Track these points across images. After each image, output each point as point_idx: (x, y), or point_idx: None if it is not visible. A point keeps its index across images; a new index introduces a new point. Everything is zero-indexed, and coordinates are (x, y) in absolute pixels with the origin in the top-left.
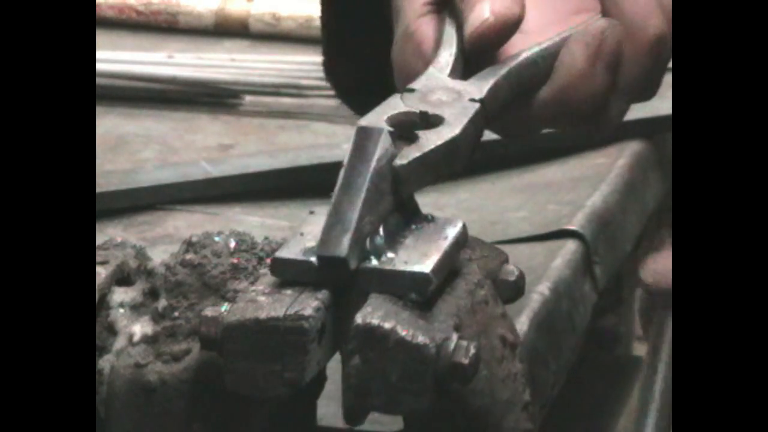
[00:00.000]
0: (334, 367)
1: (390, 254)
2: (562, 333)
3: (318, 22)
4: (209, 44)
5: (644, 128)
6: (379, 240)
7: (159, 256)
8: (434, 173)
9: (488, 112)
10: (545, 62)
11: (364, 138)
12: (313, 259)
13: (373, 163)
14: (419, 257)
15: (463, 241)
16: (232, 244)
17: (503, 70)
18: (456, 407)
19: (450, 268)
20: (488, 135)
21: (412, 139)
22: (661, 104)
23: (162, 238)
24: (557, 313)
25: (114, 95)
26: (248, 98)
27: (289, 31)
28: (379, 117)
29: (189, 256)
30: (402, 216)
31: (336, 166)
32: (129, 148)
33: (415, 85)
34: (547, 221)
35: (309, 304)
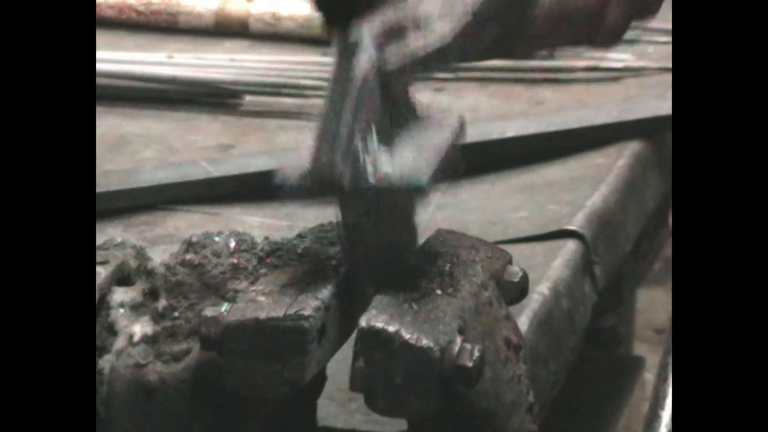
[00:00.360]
0: (334, 367)
1: (386, 158)
2: (562, 333)
3: (318, 22)
4: (209, 44)
5: (644, 128)
6: (372, 144)
7: (159, 256)
8: (422, 67)
9: (479, 17)
10: None
11: (345, 53)
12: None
13: (358, 78)
14: (414, 161)
15: (461, 138)
16: (232, 244)
17: None
18: (461, 409)
19: (448, 165)
20: (488, 135)
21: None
22: (661, 104)
23: (162, 238)
24: (557, 313)
25: (114, 95)
26: (248, 98)
27: (289, 31)
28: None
29: (189, 256)
30: (397, 114)
31: None
32: (129, 148)
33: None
34: (547, 221)
35: (309, 304)
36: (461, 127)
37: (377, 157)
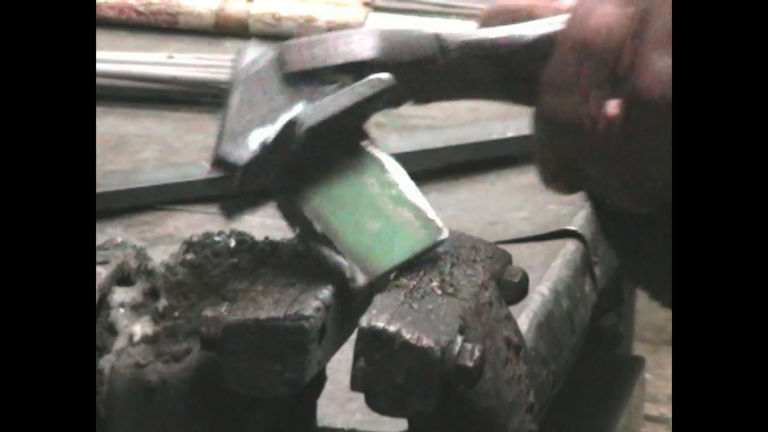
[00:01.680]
0: (334, 367)
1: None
2: (562, 333)
3: (318, 22)
4: (209, 44)
5: None
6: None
7: (159, 256)
8: (323, 50)
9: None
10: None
11: (236, 56)
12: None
13: (241, 72)
14: (306, 110)
15: (380, 91)
16: (232, 244)
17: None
18: (461, 409)
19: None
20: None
21: None
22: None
23: (162, 238)
24: (557, 313)
25: (114, 95)
26: None
27: (289, 31)
28: None
29: (189, 256)
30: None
31: None
32: (129, 148)
33: None
34: (547, 221)
35: (309, 304)
36: (388, 83)
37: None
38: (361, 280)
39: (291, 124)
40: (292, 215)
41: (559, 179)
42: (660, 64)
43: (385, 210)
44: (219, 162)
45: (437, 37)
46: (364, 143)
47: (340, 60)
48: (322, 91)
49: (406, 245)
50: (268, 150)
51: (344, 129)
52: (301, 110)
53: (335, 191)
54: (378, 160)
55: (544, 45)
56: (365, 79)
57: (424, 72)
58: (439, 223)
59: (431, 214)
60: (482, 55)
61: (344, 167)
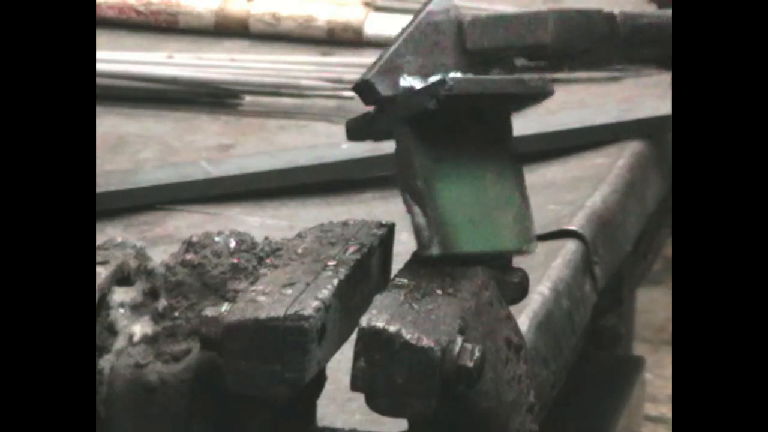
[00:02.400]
0: (334, 367)
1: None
2: (562, 333)
3: (318, 22)
4: (209, 44)
5: (644, 128)
6: (420, 80)
7: (159, 256)
8: (505, 31)
9: None
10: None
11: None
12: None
13: (423, 13)
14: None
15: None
16: (232, 244)
17: None
18: (461, 409)
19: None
20: None
21: None
22: (661, 104)
23: (162, 238)
24: (557, 313)
25: (114, 95)
26: (248, 98)
27: (289, 31)
28: None
29: (189, 256)
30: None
31: (336, 166)
32: (129, 148)
33: None
34: (547, 221)
35: (309, 304)
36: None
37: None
38: (435, 250)
39: (441, 83)
40: (404, 163)
41: None
42: None
43: (491, 203)
44: (363, 86)
45: (610, 19)
46: (503, 134)
47: (518, 44)
48: (489, 70)
49: (493, 240)
50: (410, 96)
51: (491, 111)
52: (459, 77)
53: (454, 164)
54: (508, 157)
55: None
56: (530, 76)
57: (594, 51)
58: (533, 237)
59: (531, 226)
60: (651, 38)
61: (474, 147)
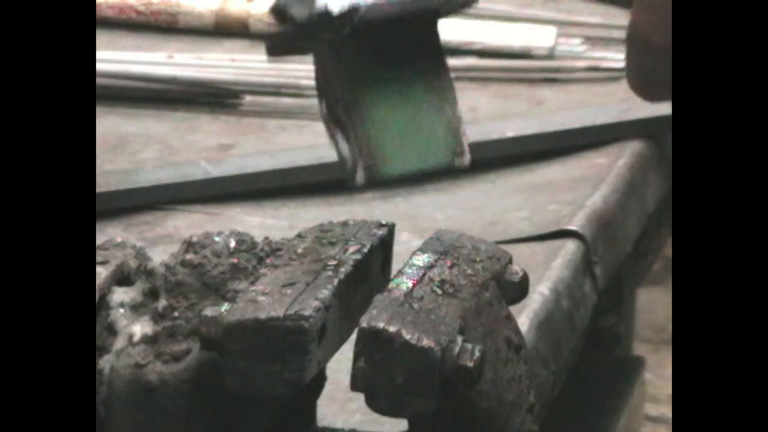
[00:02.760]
0: (334, 367)
1: None
2: (562, 333)
3: None
4: (209, 44)
5: (644, 128)
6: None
7: (159, 256)
8: None
9: None
10: None
11: None
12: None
13: None
14: None
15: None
16: (232, 244)
17: None
18: (461, 409)
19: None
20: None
21: None
22: (661, 104)
23: (162, 238)
24: (557, 313)
25: (114, 95)
26: (248, 98)
27: None
28: None
29: (189, 256)
30: None
31: (336, 166)
32: (129, 148)
33: None
34: (547, 221)
35: (309, 304)
36: None
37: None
38: (360, 178)
39: (354, 9)
40: (324, 87)
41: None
42: None
43: (421, 119)
44: (278, 11)
45: None
46: (430, 44)
47: None
48: None
49: (423, 158)
50: (325, 21)
51: (412, 30)
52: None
53: (379, 81)
54: (437, 68)
55: None
56: None
57: None
58: (465, 149)
59: (462, 139)
60: None
61: (400, 61)
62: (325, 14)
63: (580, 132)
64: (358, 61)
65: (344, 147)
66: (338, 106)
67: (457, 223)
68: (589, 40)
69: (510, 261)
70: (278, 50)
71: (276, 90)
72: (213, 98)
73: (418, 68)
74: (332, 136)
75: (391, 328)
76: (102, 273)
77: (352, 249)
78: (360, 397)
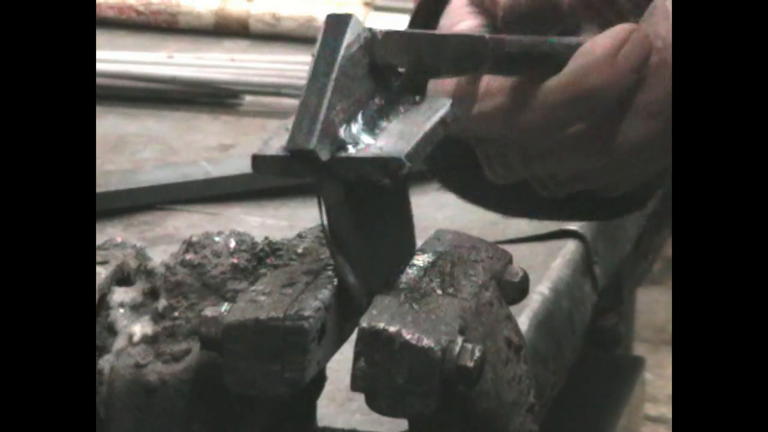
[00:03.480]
0: (334, 367)
1: (368, 140)
2: (562, 333)
3: (318, 22)
4: (209, 44)
5: None
6: (357, 127)
7: (159, 256)
8: (414, 47)
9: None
10: (560, 54)
11: (332, 25)
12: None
13: (342, 50)
14: (396, 141)
15: (449, 118)
16: (232, 244)
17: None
18: (462, 409)
19: (434, 146)
20: None
21: None
22: None
23: (162, 238)
24: (557, 313)
25: (114, 95)
26: (248, 98)
27: (289, 31)
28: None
29: (189, 256)
30: (386, 99)
31: None
32: (129, 148)
33: None
34: (547, 221)
35: (309, 304)
36: (450, 109)
37: (358, 136)
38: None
39: (396, 161)
40: (336, 221)
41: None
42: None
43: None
44: (304, 155)
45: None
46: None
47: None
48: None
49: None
50: (356, 166)
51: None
52: (411, 149)
53: (366, 220)
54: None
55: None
56: (439, 100)
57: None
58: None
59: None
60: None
61: (374, 207)
62: (358, 160)
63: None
64: (355, 197)
65: (351, 279)
66: (346, 239)
67: (457, 223)
68: None
69: (510, 261)
70: (267, 169)
71: (276, 90)
72: (213, 98)
73: (389, 215)
74: (339, 267)
75: (392, 328)
76: (102, 273)
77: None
78: (360, 397)
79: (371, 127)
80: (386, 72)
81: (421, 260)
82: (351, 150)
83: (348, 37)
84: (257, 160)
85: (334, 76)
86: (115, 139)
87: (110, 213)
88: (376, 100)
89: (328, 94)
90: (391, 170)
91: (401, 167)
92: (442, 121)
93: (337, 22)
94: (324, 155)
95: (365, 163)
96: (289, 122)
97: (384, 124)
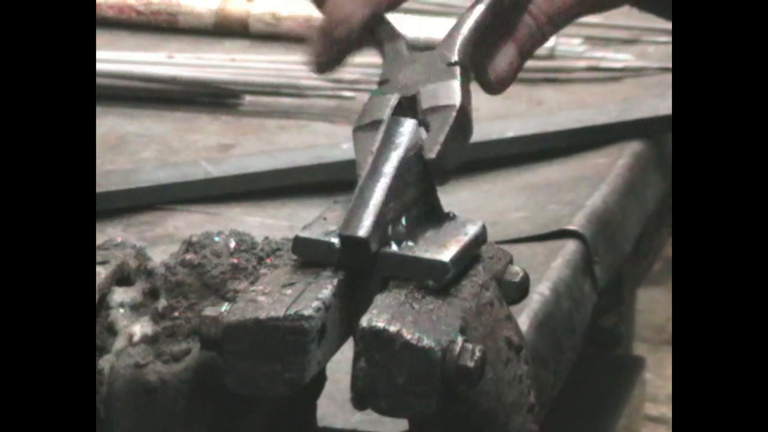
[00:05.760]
0: (333, 367)
1: (410, 243)
2: (562, 333)
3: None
4: (209, 44)
5: (644, 128)
6: (401, 228)
7: (159, 256)
8: (457, 152)
9: (467, 66)
10: None
11: (394, 127)
12: (335, 240)
13: (402, 153)
14: (439, 248)
15: (482, 239)
16: (232, 244)
17: (467, 25)
18: (462, 409)
19: (467, 262)
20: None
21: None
22: (661, 104)
23: (162, 238)
24: (557, 313)
25: (114, 95)
26: (248, 98)
27: (289, 31)
28: (375, 115)
29: (189, 256)
30: (423, 210)
31: (336, 166)
32: (129, 148)
33: (383, 74)
34: (547, 221)
35: (309, 304)
36: (483, 229)
37: (401, 237)
38: None
39: (443, 266)
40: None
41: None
42: None
43: None
44: (355, 242)
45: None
46: None
47: None
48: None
49: None
50: (404, 266)
51: None
52: (453, 254)
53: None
54: None
55: None
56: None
57: None
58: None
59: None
60: None
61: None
62: (410, 259)
63: (580, 132)
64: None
65: None
66: None
67: None
68: (589, 40)
69: (510, 261)
70: (306, 253)
71: (276, 90)
72: (213, 98)
73: None
74: None
75: (392, 328)
76: (102, 273)
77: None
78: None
79: (412, 232)
80: (430, 185)
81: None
82: (395, 247)
83: (408, 143)
84: (298, 241)
85: (393, 175)
86: (115, 139)
87: (110, 213)
88: (418, 208)
89: (386, 190)
90: (436, 273)
91: (446, 271)
92: (476, 239)
93: (400, 125)
94: (374, 246)
95: (412, 263)
96: (326, 213)
97: (422, 232)
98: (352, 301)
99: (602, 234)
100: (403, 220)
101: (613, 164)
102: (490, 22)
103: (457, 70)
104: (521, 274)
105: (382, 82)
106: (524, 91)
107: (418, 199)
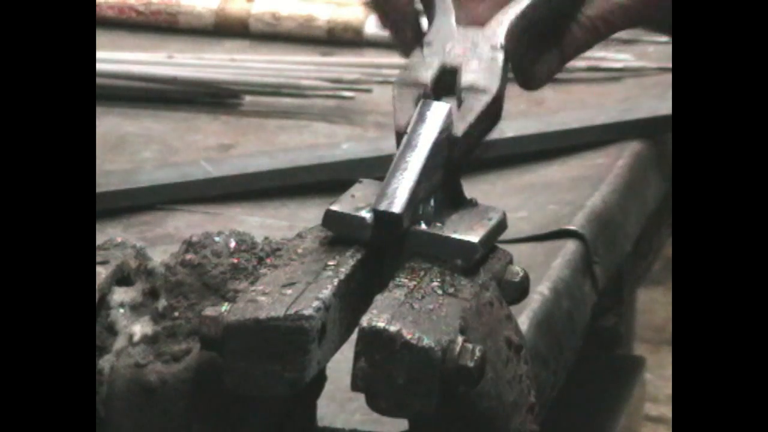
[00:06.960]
0: (334, 367)
1: (438, 224)
2: (562, 333)
3: (318, 22)
4: (209, 44)
5: (644, 128)
6: (430, 209)
7: (159, 256)
8: (482, 137)
9: (509, 53)
10: None
11: (428, 109)
12: (366, 215)
13: (436, 134)
14: (466, 230)
15: (504, 226)
16: (232, 244)
17: (515, 11)
18: (462, 409)
19: (491, 246)
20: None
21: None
22: (661, 104)
23: (162, 238)
24: (557, 313)
25: (114, 95)
26: (248, 98)
27: (289, 31)
28: (417, 74)
29: (189, 256)
30: (449, 194)
31: (336, 166)
32: (129, 148)
33: (429, 36)
34: (547, 221)
35: (309, 304)
36: (504, 216)
37: (430, 217)
38: None
39: (472, 247)
40: None
41: None
42: None
43: None
44: (389, 218)
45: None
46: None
47: None
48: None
49: None
50: (433, 245)
51: None
52: (482, 236)
53: None
54: None
55: None
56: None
57: None
58: None
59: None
60: None
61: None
62: (441, 239)
63: (580, 132)
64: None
65: None
66: None
67: None
68: None
69: (510, 261)
70: (335, 226)
71: (276, 90)
72: (213, 98)
73: None
74: None
75: (392, 328)
76: (102, 273)
77: (352, 249)
78: (360, 397)
79: (439, 214)
80: (456, 169)
81: (421, 260)
82: (424, 226)
83: (442, 125)
84: (330, 215)
85: (426, 155)
86: (115, 139)
87: (110, 213)
88: (444, 192)
89: (420, 170)
90: (465, 253)
91: (475, 251)
92: (499, 225)
93: (435, 108)
94: (406, 223)
95: (442, 242)
96: (354, 191)
97: (448, 215)
98: (371, 283)
99: (602, 234)
100: (431, 201)
101: (613, 164)
102: (539, 18)
103: (501, 55)
104: (521, 274)
105: (427, 43)
106: (524, 91)
107: (445, 183)
